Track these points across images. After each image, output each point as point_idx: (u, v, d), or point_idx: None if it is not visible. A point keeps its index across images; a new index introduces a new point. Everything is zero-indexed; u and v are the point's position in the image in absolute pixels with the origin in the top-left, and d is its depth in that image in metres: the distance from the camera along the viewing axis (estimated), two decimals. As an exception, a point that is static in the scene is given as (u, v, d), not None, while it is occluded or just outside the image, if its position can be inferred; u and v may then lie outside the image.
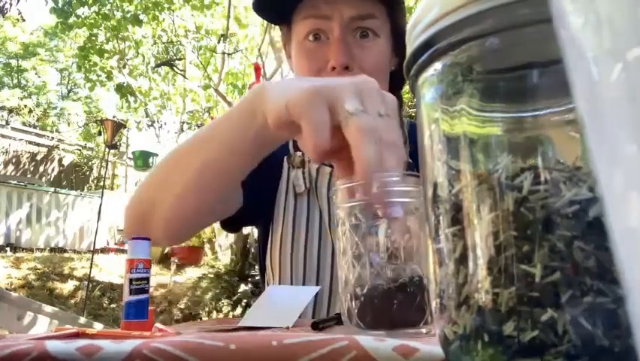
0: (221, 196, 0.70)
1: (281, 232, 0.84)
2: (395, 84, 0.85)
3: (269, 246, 0.86)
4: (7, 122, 10.29)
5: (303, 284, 0.81)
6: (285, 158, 0.86)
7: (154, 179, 0.70)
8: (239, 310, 4.94)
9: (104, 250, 6.42)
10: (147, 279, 0.58)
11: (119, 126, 5.78)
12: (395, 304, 0.43)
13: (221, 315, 4.94)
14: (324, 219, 0.82)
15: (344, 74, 0.74)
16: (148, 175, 0.72)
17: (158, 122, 7.55)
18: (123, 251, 6.21)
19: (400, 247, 0.44)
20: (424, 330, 0.43)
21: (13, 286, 4.77)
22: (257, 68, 4.84)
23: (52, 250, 6.46)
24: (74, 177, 9.58)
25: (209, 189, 0.64)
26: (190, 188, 0.64)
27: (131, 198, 0.73)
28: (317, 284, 0.80)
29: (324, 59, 0.76)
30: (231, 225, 0.87)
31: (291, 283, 0.82)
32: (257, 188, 0.79)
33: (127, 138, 9.52)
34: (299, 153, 0.85)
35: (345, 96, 0.44)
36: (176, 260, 5.70)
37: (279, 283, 0.83)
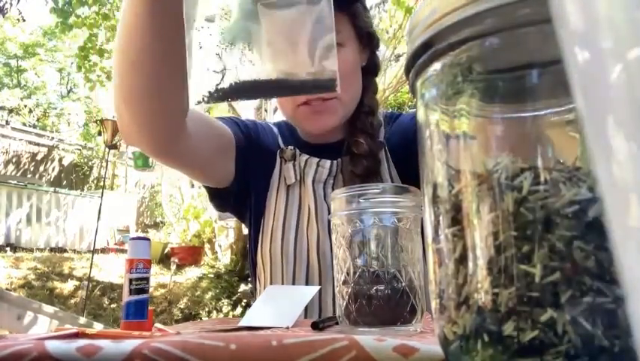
0: (151, 60, 0.64)
1: (272, 223, 0.86)
2: (369, 74, 0.89)
3: (260, 238, 0.89)
4: (7, 122, 10.27)
5: (294, 273, 0.83)
6: (278, 152, 0.90)
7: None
8: (239, 310, 4.94)
9: (104, 250, 6.42)
10: (147, 279, 0.58)
11: (119, 126, 5.77)
12: (386, 304, 0.46)
13: (221, 315, 4.93)
14: (311, 208, 0.85)
15: None
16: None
17: (158, 122, 7.51)
18: (123, 251, 6.21)
19: (390, 252, 0.48)
20: (411, 328, 0.47)
21: (13, 286, 4.77)
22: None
23: (52, 249, 6.45)
24: (74, 177, 9.57)
25: (134, 48, 0.62)
26: (123, 63, 0.64)
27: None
28: (307, 270, 0.83)
29: None
30: (220, 203, 0.94)
31: (282, 272, 0.84)
32: (249, 175, 0.88)
33: (127, 138, 9.46)
34: (290, 147, 0.89)
35: None
36: (176, 260, 5.70)
37: (270, 274, 0.86)
